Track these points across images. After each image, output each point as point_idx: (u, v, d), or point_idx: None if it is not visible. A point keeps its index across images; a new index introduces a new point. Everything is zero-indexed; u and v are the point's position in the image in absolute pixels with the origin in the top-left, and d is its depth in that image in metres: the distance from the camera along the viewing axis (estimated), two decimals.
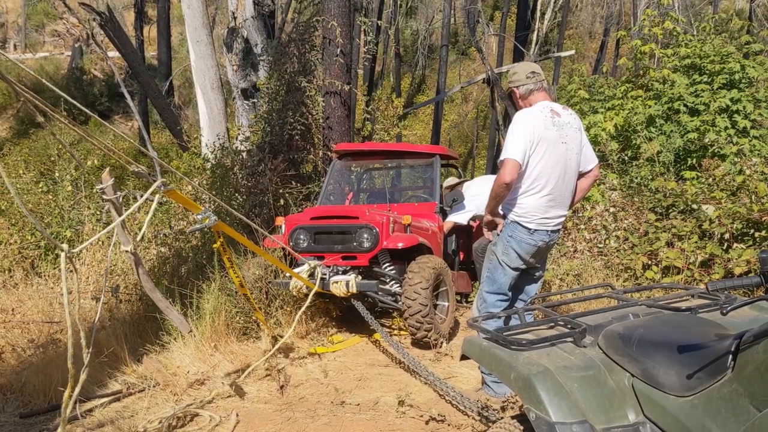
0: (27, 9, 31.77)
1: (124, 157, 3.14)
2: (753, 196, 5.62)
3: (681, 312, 2.51)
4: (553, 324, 2.55)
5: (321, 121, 7.71)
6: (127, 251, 3.93)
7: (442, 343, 5.00)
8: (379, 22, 17.31)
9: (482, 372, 3.84)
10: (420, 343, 5.01)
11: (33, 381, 4.02)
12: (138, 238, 4.07)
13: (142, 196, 3.47)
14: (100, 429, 3.60)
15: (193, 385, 4.15)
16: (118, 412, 3.80)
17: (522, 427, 2.37)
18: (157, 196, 3.52)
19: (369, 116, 9.56)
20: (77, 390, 2.76)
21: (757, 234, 5.40)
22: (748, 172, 6.02)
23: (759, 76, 8.62)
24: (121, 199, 3.63)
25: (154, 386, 4.10)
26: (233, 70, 10.74)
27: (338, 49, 7.29)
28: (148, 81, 12.73)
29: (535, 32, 18.01)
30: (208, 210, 3.84)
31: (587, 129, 8.89)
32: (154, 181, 3.32)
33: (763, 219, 5.31)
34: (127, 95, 13.57)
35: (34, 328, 4.91)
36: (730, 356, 1.95)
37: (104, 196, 3.59)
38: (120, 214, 3.60)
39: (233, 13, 10.70)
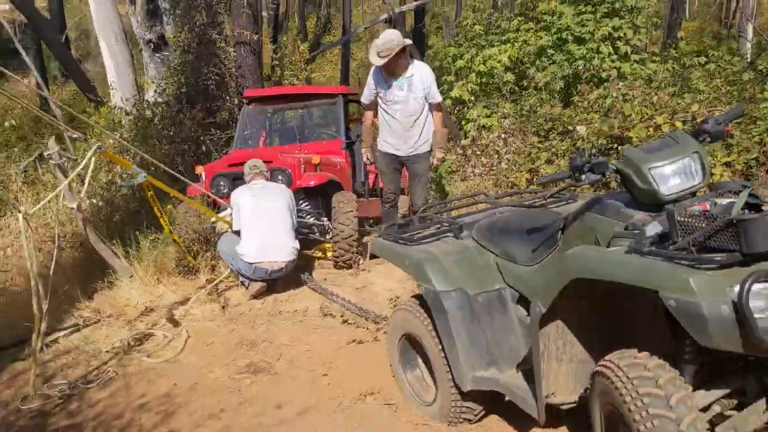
0: None
1: (54, 120, 3.56)
2: (620, 116, 6.54)
3: (534, 207, 3.30)
4: (439, 225, 3.28)
5: (234, 70, 8.07)
6: (73, 208, 4.42)
7: (359, 261, 5.69)
8: None
9: None
10: (341, 264, 5.65)
11: None
12: (82, 194, 4.51)
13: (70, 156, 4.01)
14: (67, 354, 4.13)
15: (143, 312, 4.70)
16: (80, 340, 4.33)
17: (418, 302, 3.12)
18: (94, 158, 4.06)
19: (277, 63, 9.91)
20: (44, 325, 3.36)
21: (620, 148, 6.34)
22: (615, 95, 6.95)
23: (637, 3, 9.45)
24: (66, 162, 4.11)
25: (108, 317, 4.63)
26: (137, 21, 10.66)
27: (244, 1, 7.61)
28: (50, 34, 12.35)
29: None
30: (137, 168, 4.36)
31: (484, 62, 9.63)
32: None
33: (624, 135, 6.25)
34: (22, 51, 13.11)
35: None
36: (560, 232, 2.74)
37: (51, 161, 4.09)
38: (66, 176, 4.09)
39: None
